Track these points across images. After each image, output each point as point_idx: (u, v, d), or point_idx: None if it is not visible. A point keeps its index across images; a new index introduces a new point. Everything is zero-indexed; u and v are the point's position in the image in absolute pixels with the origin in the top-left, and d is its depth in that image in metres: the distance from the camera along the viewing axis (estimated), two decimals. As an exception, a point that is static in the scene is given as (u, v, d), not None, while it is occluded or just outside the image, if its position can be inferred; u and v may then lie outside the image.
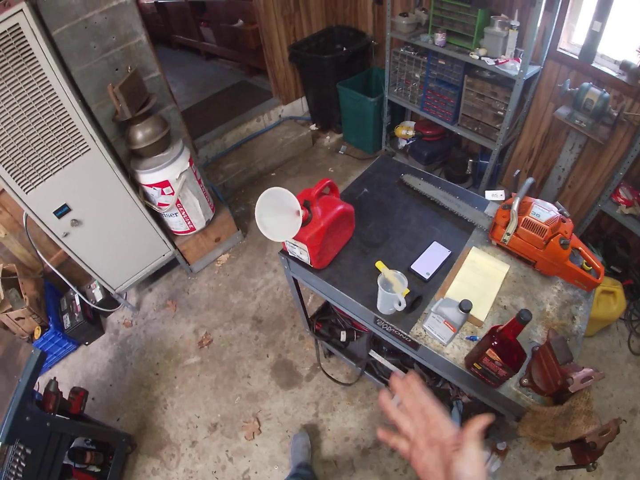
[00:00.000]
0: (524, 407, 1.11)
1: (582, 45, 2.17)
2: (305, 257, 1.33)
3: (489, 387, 1.16)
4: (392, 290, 1.20)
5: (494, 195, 1.70)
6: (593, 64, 2.18)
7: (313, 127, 3.84)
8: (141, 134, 2.01)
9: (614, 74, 2.11)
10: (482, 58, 2.32)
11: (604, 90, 2.06)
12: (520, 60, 2.20)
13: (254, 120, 3.49)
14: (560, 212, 1.33)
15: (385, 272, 1.22)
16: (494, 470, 1.94)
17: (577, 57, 2.23)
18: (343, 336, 2.00)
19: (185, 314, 2.59)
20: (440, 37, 2.44)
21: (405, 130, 3.29)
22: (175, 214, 2.33)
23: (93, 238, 2.15)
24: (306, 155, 3.68)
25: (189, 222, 2.42)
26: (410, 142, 3.31)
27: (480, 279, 1.36)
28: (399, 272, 1.21)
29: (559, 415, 1.00)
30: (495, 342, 1.01)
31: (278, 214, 1.17)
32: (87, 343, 2.54)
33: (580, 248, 1.33)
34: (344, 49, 3.20)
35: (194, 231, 2.51)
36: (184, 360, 2.41)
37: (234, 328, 2.51)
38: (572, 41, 2.31)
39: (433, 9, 2.46)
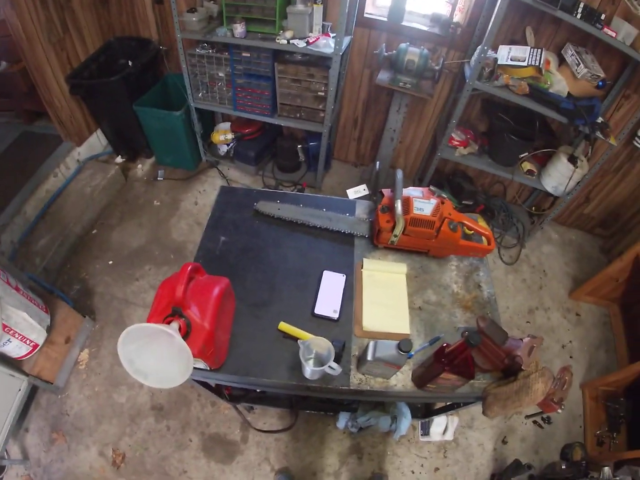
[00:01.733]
0: (482, 392, 1.12)
1: (390, 6, 2.15)
2: (201, 365, 1.05)
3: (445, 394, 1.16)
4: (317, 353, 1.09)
5: (357, 191, 1.60)
6: (403, 23, 2.18)
7: (119, 159, 3.28)
8: None
9: (426, 28, 2.15)
10: (291, 41, 2.15)
11: (422, 47, 2.07)
12: (331, 35, 2.08)
13: (50, 177, 2.82)
14: (438, 196, 1.26)
15: (308, 344, 1.06)
16: (454, 429, 2.03)
17: (386, 19, 2.21)
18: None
19: (78, 439, 2.07)
20: (239, 28, 2.18)
21: (223, 135, 3.04)
22: (9, 340, 1.77)
23: None
24: (123, 196, 3.15)
25: (28, 342, 1.87)
26: (231, 145, 3.09)
27: (386, 292, 1.28)
28: (318, 338, 1.05)
29: (519, 389, 1.03)
30: (448, 367, 0.97)
31: (149, 347, 0.84)
32: (-1, 526, 1.90)
33: (464, 222, 1.31)
34: (130, 63, 2.74)
35: (38, 347, 1.96)
36: (110, 490, 1.95)
37: (139, 429, 2.08)
38: (377, 3, 2.31)
39: (224, -3, 2.17)
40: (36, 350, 1.98)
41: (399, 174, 1.27)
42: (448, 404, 1.74)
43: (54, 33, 2.56)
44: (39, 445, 2.06)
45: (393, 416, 1.81)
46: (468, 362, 0.98)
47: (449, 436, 2.01)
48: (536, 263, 2.82)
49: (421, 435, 2.03)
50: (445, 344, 1.00)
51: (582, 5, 1.73)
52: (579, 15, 1.75)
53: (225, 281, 1.05)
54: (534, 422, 2.13)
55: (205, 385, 1.53)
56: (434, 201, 1.22)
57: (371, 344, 1.03)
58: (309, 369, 1.02)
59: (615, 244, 2.91)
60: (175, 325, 0.88)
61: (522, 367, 1.03)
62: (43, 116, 3.27)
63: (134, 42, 2.96)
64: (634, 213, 2.77)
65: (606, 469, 1.55)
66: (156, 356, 0.88)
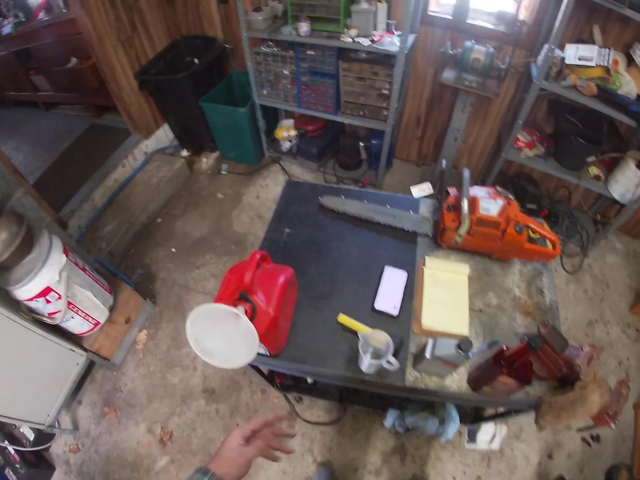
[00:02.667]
0: (536, 400, 1.08)
1: (454, 3, 2.13)
2: (261, 350, 1.09)
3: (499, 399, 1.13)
4: (374, 347, 1.08)
5: (421, 190, 1.58)
6: (468, 21, 2.15)
7: (184, 153, 3.44)
8: (-3, 243, 1.55)
9: (491, 26, 2.10)
10: (355, 40, 2.16)
11: (488, 46, 2.02)
12: (395, 34, 2.08)
13: (118, 167, 3.00)
14: (504, 197, 1.24)
15: (367, 337, 1.07)
16: (501, 439, 1.93)
17: (450, 17, 2.19)
18: (310, 378, 1.80)
19: (129, 415, 2.19)
20: (304, 27, 2.22)
21: (286, 132, 3.08)
22: (72, 317, 1.91)
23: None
24: (188, 187, 3.29)
25: (90, 319, 2.00)
26: (294, 141, 3.13)
27: (447, 292, 1.25)
28: (378, 331, 1.05)
29: (575, 399, 1.00)
30: (506, 369, 0.95)
31: (216, 328, 0.89)
32: (44, 487, 2.05)
33: (530, 224, 1.28)
34: (196, 61, 2.85)
35: (100, 325, 2.09)
36: (154, 467, 2.03)
37: (189, 410, 2.17)
38: (441, 1, 2.29)
39: (289, -4, 2.22)
40: (97, 327, 2.11)
41: (466, 172, 1.25)
42: (498, 411, 1.69)
43: (123, 31, 2.69)
44: (90, 417, 2.19)
45: (441, 419, 1.79)
46: (527, 367, 0.96)
47: (495, 445, 1.95)
48: (599, 273, 2.68)
49: (467, 441, 1.97)
50: (505, 347, 0.98)
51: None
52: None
53: (290, 271, 1.08)
54: (583, 439, 2.03)
55: (258, 371, 1.58)
56: (500, 202, 1.19)
57: (430, 341, 1.03)
58: (367, 362, 1.03)
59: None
60: (242, 308, 0.92)
61: (580, 377, 1.00)
62: (111, 110, 3.47)
63: (199, 40, 3.07)
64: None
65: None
66: (221, 337, 0.92)
